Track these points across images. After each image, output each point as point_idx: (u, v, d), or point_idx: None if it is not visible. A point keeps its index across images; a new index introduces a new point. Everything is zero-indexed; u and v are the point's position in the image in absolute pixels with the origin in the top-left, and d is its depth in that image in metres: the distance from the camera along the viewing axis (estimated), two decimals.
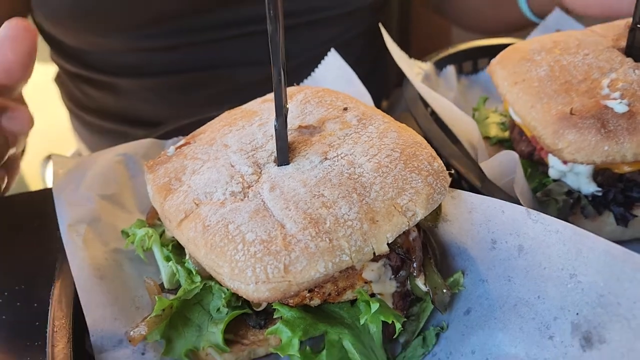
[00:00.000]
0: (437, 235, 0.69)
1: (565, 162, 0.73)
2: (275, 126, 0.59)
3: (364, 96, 0.85)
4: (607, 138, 0.67)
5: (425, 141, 0.66)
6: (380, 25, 0.96)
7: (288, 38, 0.60)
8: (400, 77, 1.02)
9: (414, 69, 1.00)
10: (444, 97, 1.04)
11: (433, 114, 0.94)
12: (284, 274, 0.52)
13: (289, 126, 0.67)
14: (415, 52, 1.90)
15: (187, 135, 0.74)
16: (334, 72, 0.92)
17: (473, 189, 0.75)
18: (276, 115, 0.59)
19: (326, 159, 0.62)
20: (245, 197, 0.59)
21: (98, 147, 0.91)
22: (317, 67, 0.95)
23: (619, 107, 0.68)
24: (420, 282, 0.63)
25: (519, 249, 0.58)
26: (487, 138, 0.88)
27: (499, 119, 0.89)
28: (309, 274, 0.53)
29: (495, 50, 1.11)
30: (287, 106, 0.59)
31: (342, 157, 0.61)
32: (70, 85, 1.27)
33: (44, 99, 1.60)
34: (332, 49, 0.93)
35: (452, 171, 0.72)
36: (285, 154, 0.62)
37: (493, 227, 0.61)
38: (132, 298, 0.67)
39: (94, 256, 0.69)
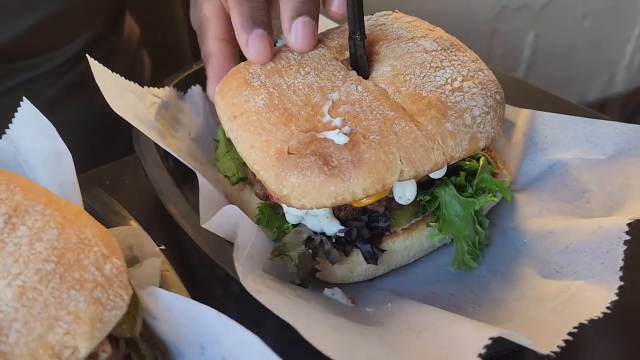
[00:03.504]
0: (155, 334, 0.55)
1: None
2: None
3: (63, 156, 0.68)
4: (332, 176, 0.57)
5: (101, 231, 0.51)
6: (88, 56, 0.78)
7: None
8: None
9: (147, 100, 0.85)
10: (192, 123, 0.91)
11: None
12: None
13: None
14: None
15: None
16: (33, 126, 0.73)
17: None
18: None
19: None
20: None
21: None
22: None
23: (338, 137, 0.58)
24: None
25: (222, 358, 0.46)
26: (227, 177, 0.75)
27: None
28: None
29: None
30: None
31: None
32: None
33: None
34: (24, 98, 0.73)
35: (163, 246, 0.60)
36: None
37: (198, 330, 0.48)
38: None
39: None
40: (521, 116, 0.78)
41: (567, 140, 0.72)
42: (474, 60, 0.66)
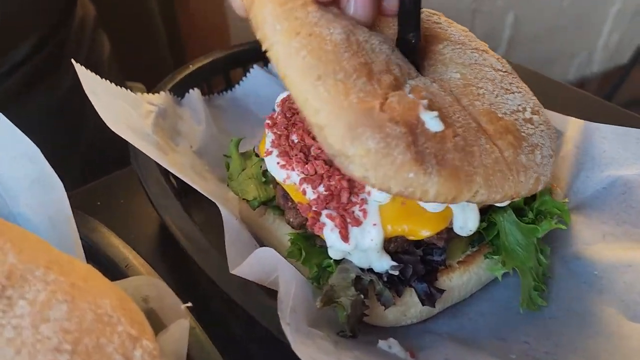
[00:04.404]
0: None
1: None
2: None
3: (51, 184, 0.57)
4: (416, 161, 0.46)
5: (122, 301, 0.40)
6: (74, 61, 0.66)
7: None
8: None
9: (142, 109, 0.73)
10: (193, 133, 0.80)
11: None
12: None
13: None
14: (193, 53, 1.63)
15: None
16: (13, 148, 0.61)
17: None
18: None
19: None
20: None
21: None
22: None
23: (433, 122, 0.47)
24: None
25: None
26: (246, 201, 0.65)
27: (259, 169, 0.66)
28: None
29: (249, 56, 0.89)
30: None
31: None
32: None
33: None
34: (1, 116, 0.61)
35: (189, 304, 0.50)
36: None
37: None
38: None
39: None
40: (571, 126, 0.70)
41: (629, 155, 0.65)
42: (532, 93, 0.58)
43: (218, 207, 0.61)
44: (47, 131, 1.01)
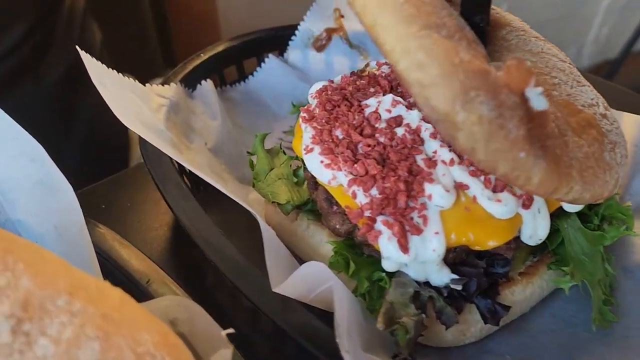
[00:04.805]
0: None
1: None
2: None
3: (57, 187, 0.49)
4: (528, 140, 0.40)
5: (164, 336, 0.33)
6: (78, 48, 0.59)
7: None
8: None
9: (152, 102, 0.65)
10: (207, 129, 0.72)
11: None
12: None
13: None
14: (182, 49, 1.56)
15: None
16: (13, 146, 0.53)
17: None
18: None
19: None
20: None
21: None
22: None
23: (539, 100, 0.40)
24: None
25: None
26: (277, 205, 0.58)
27: (289, 168, 0.59)
28: None
29: (263, 45, 0.82)
30: None
31: None
32: None
33: None
34: (1, 111, 0.53)
35: (231, 330, 0.43)
36: None
37: None
38: None
39: None
40: (626, 122, 0.65)
41: None
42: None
43: (232, 208, 0.54)
44: (37, 126, 0.94)
